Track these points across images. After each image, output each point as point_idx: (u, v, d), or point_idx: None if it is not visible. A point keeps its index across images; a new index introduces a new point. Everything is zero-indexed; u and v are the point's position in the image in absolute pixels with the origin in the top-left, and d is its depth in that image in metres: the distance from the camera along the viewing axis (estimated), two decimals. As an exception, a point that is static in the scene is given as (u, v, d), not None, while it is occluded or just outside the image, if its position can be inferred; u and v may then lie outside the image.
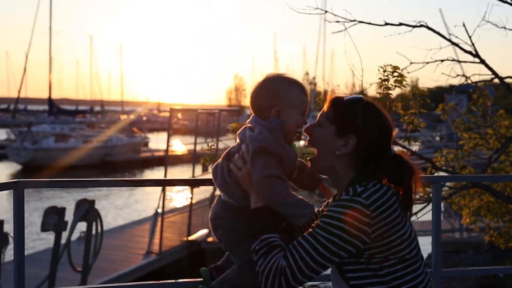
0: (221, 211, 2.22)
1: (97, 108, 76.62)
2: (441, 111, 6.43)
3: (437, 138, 22.45)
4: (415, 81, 54.24)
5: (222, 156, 2.24)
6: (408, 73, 5.02)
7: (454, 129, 6.29)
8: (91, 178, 3.09)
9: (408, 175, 2.09)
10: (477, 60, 5.43)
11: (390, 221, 1.99)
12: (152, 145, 43.71)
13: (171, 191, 18.82)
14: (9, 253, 6.70)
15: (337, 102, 2.17)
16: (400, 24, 5.23)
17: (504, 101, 13.26)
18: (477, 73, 5.49)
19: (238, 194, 2.17)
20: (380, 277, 2.00)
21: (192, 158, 13.37)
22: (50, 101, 59.51)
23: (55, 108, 59.90)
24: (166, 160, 13.23)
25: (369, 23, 5.25)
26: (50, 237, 12.18)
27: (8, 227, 5.59)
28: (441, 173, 5.19)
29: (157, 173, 32.08)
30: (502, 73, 5.38)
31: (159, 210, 12.37)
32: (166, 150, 13.22)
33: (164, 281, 2.86)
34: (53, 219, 8.30)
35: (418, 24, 5.18)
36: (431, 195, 3.35)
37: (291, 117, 2.17)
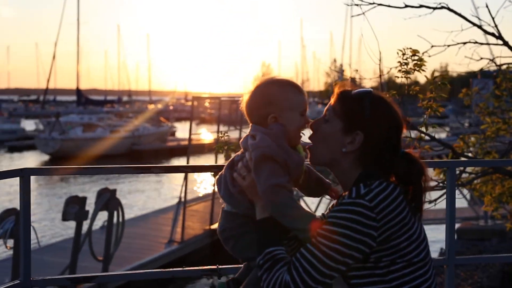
0: (226, 222, 2.13)
1: (125, 98, 77.38)
2: (465, 95, 6.22)
3: (466, 125, 22.01)
4: (444, 66, 53.45)
5: (225, 166, 2.14)
6: (429, 56, 4.87)
7: (477, 114, 6.09)
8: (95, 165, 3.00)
9: (418, 174, 1.98)
10: (500, 42, 5.24)
11: (397, 222, 1.87)
12: (179, 134, 43.93)
13: (195, 180, 18.75)
14: (32, 242, 6.71)
15: (345, 96, 2.04)
16: (420, 6, 5.08)
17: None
18: (500, 56, 5.31)
19: (243, 203, 2.07)
20: (386, 282, 1.89)
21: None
22: (78, 91, 60.43)
23: (83, 99, 60.78)
24: (188, 148, 13.22)
25: (389, 6, 5.12)
26: (73, 225, 12.27)
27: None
28: (462, 159, 5.03)
29: (183, 162, 32.15)
30: (526, 56, 5.20)
31: (182, 199, 12.37)
32: (189, 139, 13.20)
33: (183, 268, 2.80)
34: (74, 208, 8.31)
35: (439, 6, 5.02)
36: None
37: (291, 120, 2.05)
